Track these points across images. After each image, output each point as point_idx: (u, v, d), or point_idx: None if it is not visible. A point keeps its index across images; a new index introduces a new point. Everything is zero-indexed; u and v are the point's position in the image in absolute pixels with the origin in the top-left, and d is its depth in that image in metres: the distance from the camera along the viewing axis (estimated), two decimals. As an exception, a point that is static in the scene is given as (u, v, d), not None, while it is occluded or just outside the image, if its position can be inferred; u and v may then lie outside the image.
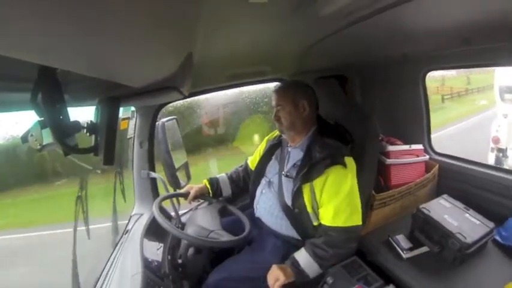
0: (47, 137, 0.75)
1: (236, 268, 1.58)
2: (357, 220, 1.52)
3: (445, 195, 1.96)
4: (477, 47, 1.55)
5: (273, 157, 1.80)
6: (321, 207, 1.54)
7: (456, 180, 2.16)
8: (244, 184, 2.00)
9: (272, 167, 1.78)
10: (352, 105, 2.02)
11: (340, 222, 1.48)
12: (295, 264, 1.50)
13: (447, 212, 1.81)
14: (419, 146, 2.28)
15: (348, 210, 1.50)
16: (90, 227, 1.75)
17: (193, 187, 1.88)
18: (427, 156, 2.28)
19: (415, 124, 2.41)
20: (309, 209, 1.55)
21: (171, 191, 1.91)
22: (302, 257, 1.51)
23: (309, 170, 1.53)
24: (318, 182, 1.52)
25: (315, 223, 1.57)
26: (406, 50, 1.89)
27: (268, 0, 0.93)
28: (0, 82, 0.67)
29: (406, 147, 2.23)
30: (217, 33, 1.11)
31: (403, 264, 1.71)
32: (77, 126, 0.79)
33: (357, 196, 1.55)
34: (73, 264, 1.56)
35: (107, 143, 0.83)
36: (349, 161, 1.56)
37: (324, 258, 1.49)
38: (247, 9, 0.97)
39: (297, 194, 1.56)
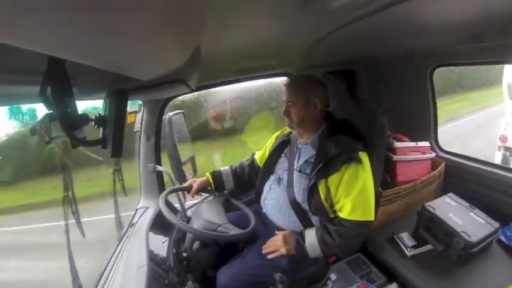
0: (56, 130, 0.76)
1: (243, 266, 1.59)
2: (370, 215, 1.53)
3: (450, 194, 1.95)
4: (488, 43, 1.52)
5: (282, 154, 1.79)
6: (337, 203, 1.54)
7: (462, 178, 2.15)
8: (248, 179, 1.99)
9: (281, 164, 1.77)
10: (360, 101, 2.00)
11: (356, 216, 1.49)
12: (300, 241, 1.55)
13: (452, 211, 1.80)
14: (426, 143, 2.26)
15: (363, 204, 1.51)
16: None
17: (195, 181, 1.88)
18: (434, 154, 2.26)
19: (422, 121, 2.39)
20: (326, 205, 1.54)
21: (177, 184, 1.92)
22: (310, 236, 1.55)
23: (324, 166, 1.53)
24: (333, 179, 1.51)
25: (331, 215, 1.57)
26: (414, 45, 1.86)
27: None
28: (10, 75, 0.68)
29: (412, 144, 2.22)
30: (225, 27, 1.10)
31: (406, 262, 1.71)
32: (85, 119, 0.80)
33: (372, 191, 1.55)
34: (69, 258, 1.57)
35: (115, 136, 0.83)
36: (364, 156, 1.55)
37: (329, 245, 1.51)
38: (256, 2, 0.96)
39: (312, 191, 1.55)
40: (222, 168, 2.00)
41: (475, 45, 1.61)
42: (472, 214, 1.78)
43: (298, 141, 1.73)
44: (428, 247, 1.77)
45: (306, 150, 1.68)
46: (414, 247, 1.76)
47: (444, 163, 2.22)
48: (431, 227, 1.79)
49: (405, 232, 1.85)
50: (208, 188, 1.92)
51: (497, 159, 4.30)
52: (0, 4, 0.28)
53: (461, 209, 1.82)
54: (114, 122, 0.84)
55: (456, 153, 2.31)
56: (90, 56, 0.55)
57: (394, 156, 2.14)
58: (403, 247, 1.77)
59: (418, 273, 1.62)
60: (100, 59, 0.59)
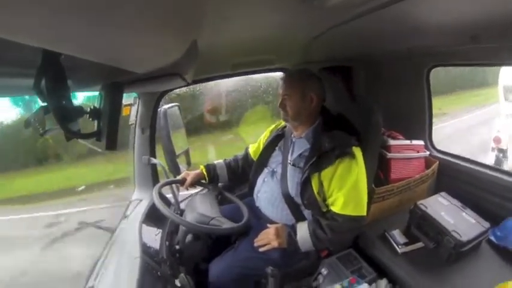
0: (50, 122, 0.75)
1: (235, 259, 1.60)
2: (363, 210, 1.53)
3: (443, 193, 1.97)
4: (486, 45, 1.52)
5: (277, 148, 1.79)
6: (330, 197, 1.54)
7: (455, 178, 2.17)
8: (242, 172, 1.99)
9: (275, 157, 1.77)
10: (355, 97, 2.00)
11: (349, 210, 1.49)
12: (292, 234, 1.56)
13: (444, 210, 1.82)
14: (420, 142, 2.27)
15: (356, 199, 1.51)
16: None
17: (189, 173, 1.88)
18: (428, 153, 2.28)
19: (417, 119, 2.40)
20: (318, 198, 1.55)
21: (171, 177, 1.91)
22: (301, 230, 1.56)
23: (318, 159, 1.53)
24: (326, 173, 1.51)
25: (324, 209, 1.57)
26: (412, 45, 1.86)
27: None
28: (4, 67, 0.67)
29: (407, 142, 2.23)
30: (223, 21, 1.09)
31: (397, 259, 1.73)
32: (79, 111, 0.79)
33: (365, 186, 1.55)
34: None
35: (110, 128, 0.83)
36: (357, 151, 1.56)
37: (320, 239, 1.52)
38: None
39: (305, 184, 1.55)
40: (216, 161, 1.99)
41: (473, 47, 1.61)
42: (463, 214, 1.80)
43: (292, 135, 1.73)
44: (419, 245, 1.79)
45: (300, 144, 1.68)
46: (405, 244, 1.78)
47: (438, 162, 2.24)
48: (422, 225, 1.81)
49: (397, 229, 1.87)
50: (202, 181, 1.92)
51: (490, 160, 4.34)
52: None
53: (453, 208, 1.84)
54: (109, 115, 0.83)
55: (450, 153, 2.33)
56: (87, 49, 0.55)
57: (388, 154, 2.15)
58: (395, 244, 1.79)
59: (409, 270, 1.64)
60: (96, 52, 0.58)
